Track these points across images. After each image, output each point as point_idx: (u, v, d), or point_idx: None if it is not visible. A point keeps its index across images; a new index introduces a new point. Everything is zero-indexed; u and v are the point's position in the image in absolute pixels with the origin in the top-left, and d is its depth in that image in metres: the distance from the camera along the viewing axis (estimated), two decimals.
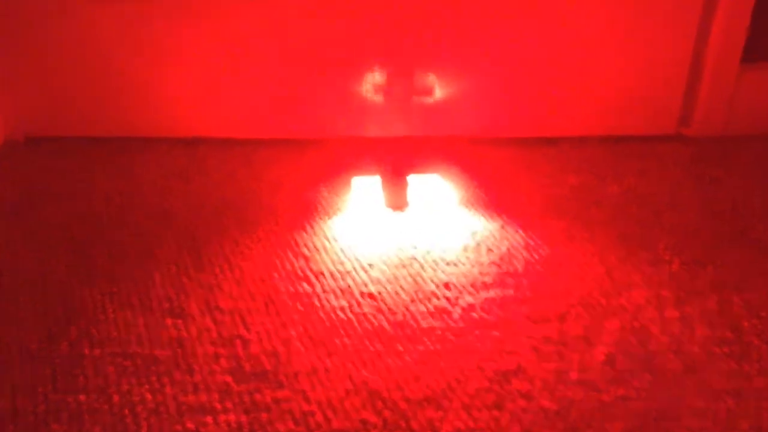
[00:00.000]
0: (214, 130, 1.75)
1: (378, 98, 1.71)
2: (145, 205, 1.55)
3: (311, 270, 1.35)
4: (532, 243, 1.41)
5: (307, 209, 1.52)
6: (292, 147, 1.74)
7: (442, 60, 1.67)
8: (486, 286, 1.30)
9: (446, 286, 1.31)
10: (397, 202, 1.52)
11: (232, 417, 1.06)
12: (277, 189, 1.59)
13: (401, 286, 1.30)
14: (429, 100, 1.72)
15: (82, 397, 1.09)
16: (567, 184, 1.60)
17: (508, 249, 1.40)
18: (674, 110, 1.72)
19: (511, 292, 1.29)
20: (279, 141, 1.75)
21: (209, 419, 1.06)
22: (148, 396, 1.10)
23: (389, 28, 1.63)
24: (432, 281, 1.32)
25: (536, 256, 1.37)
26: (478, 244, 1.41)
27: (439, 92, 1.70)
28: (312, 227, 1.47)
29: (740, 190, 1.57)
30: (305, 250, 1.40)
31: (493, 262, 1.36)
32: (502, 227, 1.46)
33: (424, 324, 1.22)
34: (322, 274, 1.34)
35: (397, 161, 1.64)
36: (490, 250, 1.40)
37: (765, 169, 1.63)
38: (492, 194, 1.57)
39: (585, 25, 1.62)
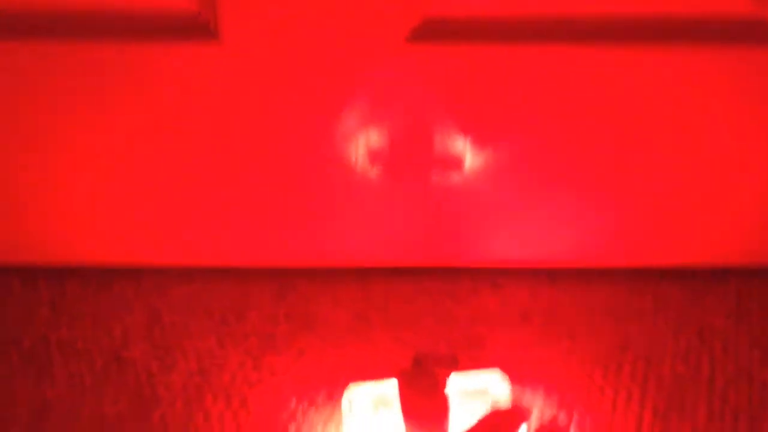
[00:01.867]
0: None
1: (373, 173, 0.93)
2: None
3: None
4: None
5: None
6: (213, 284, 0.98)
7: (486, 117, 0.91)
8: None
9: None
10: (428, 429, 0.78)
11: None
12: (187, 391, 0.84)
13: None
14: (459, 175, 0.96)
15: None
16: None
17: None
18: None
19: None
20: (189, 271, 0.99)
21: None
22: None
23: (407, 77, 0.87)
24: None
25: None
26: None
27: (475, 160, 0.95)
28: None
29: None
30: None
31: None
32: None
33: None
34: None
35: (427, 339, 0.89)
36: None
37: None
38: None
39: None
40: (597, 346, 0.91)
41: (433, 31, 0.75)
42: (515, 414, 0.80)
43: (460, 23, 0.75)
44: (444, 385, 0.79)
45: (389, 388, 0.80)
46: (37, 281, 0.95)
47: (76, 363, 0.88)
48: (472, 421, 0.77)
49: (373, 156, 0.88)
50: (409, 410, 0.78)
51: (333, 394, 0.83)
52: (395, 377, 0.79)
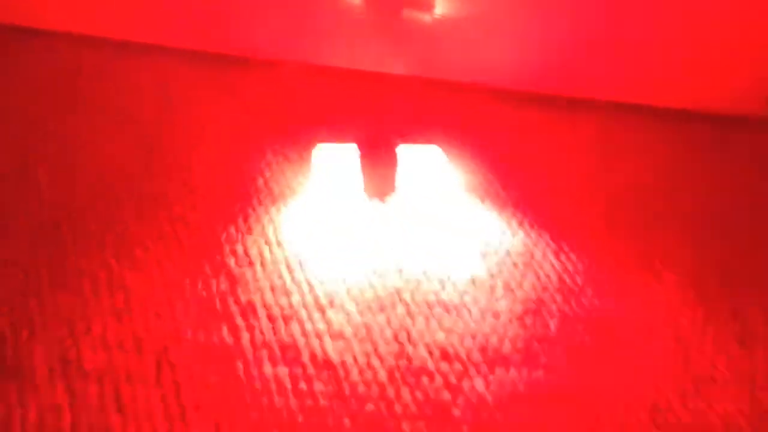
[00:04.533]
0: (101, 27, 1.17)
1: (355, 5, 1.16)
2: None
3: (237, 302, 0.86)
4: (572, 277, 0.95)
5: (239, 186, 1.00)
6: (222, 71, 1.18)
7: None
8: (504, 360, 0.85)
9: (444, 355, 0.84)
10: (380, 188, 1.02)
11: None
12: (194, 145, 1.06)
13: (376, 351, 0.84)
14: (426, 17, 1.18)
15: None
16: (622, 175, 1.12)
17: (534, 287, 0.94)
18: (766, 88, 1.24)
19: (541, 374, 0.84)
20: (201, 55, 1.19)
21: None
22: None
23: None
24: (423, 344, 0.85)
25: (579, 307, 0.92)
26: (493, 275, 0.94)
27: (441, 7, 1.16)
28: (245, 220, 0.96)
29: None
30: (231, 262, 0.90)
31: (516, 315, 0.90)
32: (528, 245, 0.99)
33: (406, 427, 0.77)
34: (254, 311, 0.85)
35: (382, 122, 1.12)
36: (509, 288, 0.93)
37: None
38: (514, 185, 1.08)
39: None
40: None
41: None
42: None
43: None
44: (395, 149, 1.03)
45: (351, 149, 1.03)
46: None
47: None
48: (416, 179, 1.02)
49: None
50: (365, 162, 1.01)
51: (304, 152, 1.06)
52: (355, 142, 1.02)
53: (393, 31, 1.19)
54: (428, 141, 1.08)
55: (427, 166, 1.05)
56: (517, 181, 1.09)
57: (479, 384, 0.82)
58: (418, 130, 1.11)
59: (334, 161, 1.02)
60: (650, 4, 1.13)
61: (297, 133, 1.08)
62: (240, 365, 0.80)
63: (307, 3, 1.15)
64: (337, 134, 1.06)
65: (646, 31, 1.16)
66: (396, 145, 1.05)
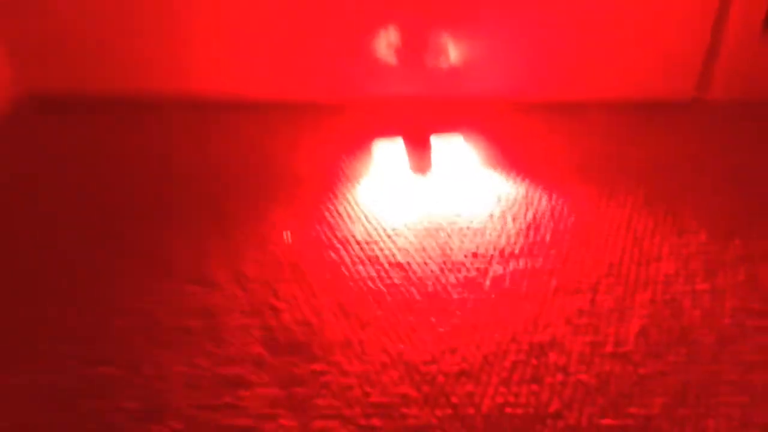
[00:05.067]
0: (227, 90, 1.69)
1: (392, 58, 1.66)
2: (160, 168, 1.50)
3: (337, 238, 1.33)
4: (558, 210, 1.40)
5: (329, 174, 1.49)
6: (308, 110, 1.69)
7: (458, 18, 1.61)
8: (515, 256, 1.29)
9: (474, 255, 1.29)
10: (421, 166, 1.50)
11: (268, 391, 1.05)
12: (297, 154, 1.55)
13: (429, 256, 1.29)
14: (443, 61, 1.67)
15: (112, 370, 1.07)
16: (591, 149, 1.58)
17: (534, 216, 1.38)
18: (693, 75, 1.69)
19: (540, 261, 1.28)
20: (295, 104, 1.70)
21: (245, 393, 1.04)
22: (181, 368, 1.08)
23: None
24: (460, 250, 1.30)
25: (563, 225, 1.36)
26: (504, 212, 1.39)
27: (453, 53, 1.66)
28: (335, 193, 1.44)
29: (762, 156, 1.56)
30: (329, 217, 1.37)
31: (520, 230, 1.35)
32: (527, 193, 1.44)
33: (455, 295, 1.21)
34: (348, 242, 1.32)
35: (418, 123, 1.60)
36: (515, 217, 1.38)
37: None
38: (515, 158, 1.54)
39: None
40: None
41: None
42: None
43: None
44: (428, 140, 1.50)
45: (398, 142, 1.52)
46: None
47: None
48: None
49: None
50: (410, 150, 1.49)
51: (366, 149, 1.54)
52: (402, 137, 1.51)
53: (420, 74, 1.69)
54: (453, 134, 1.56)
55: (454, 151, 1.52)
56: (518, 156, 1.55)
57: (498, 269, 1.26)
58: (446, 127, 1.59)
59: (388, 152, 1.51)
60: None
61: (361, 137, 1.57)
62: (344, 270, 1.25)
63: (358, 58, 1.66)
64: (389, 134, 1.55)
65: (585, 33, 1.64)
66: (430, 137, 1.53)
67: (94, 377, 1.06)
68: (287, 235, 1.29)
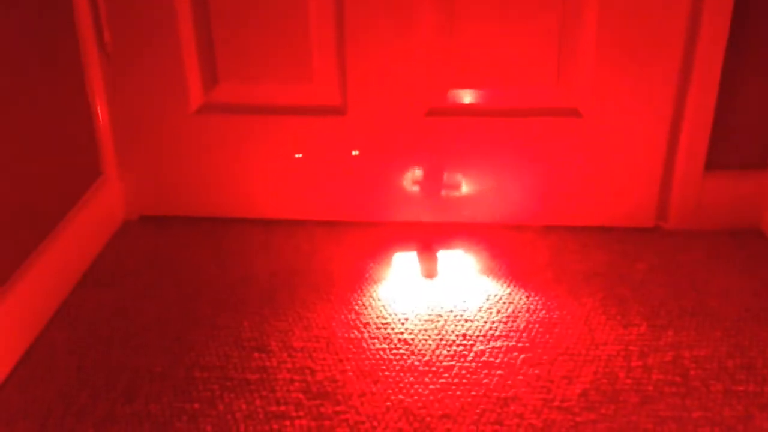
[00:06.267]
0: (283, 212, 2.21)
1: (416, 190, 2.16)
2: (234, 272, 2.00)
3: (361, 321, 1.77)
4: (532, 306, 1.82)
5: (358, 277, 1.96)
6: (345, 228, 2.19)
7: (469, 162, 2.12)
8: (494, 338, 1.70)
9: (464, 336, 1.71)
10: (429, 272, 1.95)
11: (304, 422, 1.47)
12: (334, 261, 2.03)
13: (429, 336, 1.71)
14: (457, 193, 2.16)
15: (196, 406, 1.52)
16: (564, 263, 2.01)
17: (513, 310, 1.80)
18: (652, 208, 2.14)
19: (513, 342, 1.69)
20: (335, 222, 2.20)
21: (287, 423, 1.47)
22: (243, 406, 1.51)
23: (428, 139, 2.10)
24: (453, 332, 1.72)
25: (535, 317, 1.78)
26: (491, 306, 1.82)
27: (465, 188, 2.15)
28: (362, 290, 1.90)
29: (702, 273, 1.96)
30: (356, 307, 1.83)
31: (502, 321, 1.77)
32: (510, 293, 1.87)
33: (445, 363, 1.63)
34: (369, 324, 1.76)
35: (430, 240, 2.08)
36: (499, 311, 1.80)
37: (722, 258, 2.02)
38: (503, 267, 1.98)
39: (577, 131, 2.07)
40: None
41: None
42: None
43: None
44: (436, 253, 1.97)
45: (413, 254, 1.99)
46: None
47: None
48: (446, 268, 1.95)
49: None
50: (421, 260, 1.96)
51: (388, 258, 2.01)
52: (415, 250, 1.98)
53: (438, 200, 2.18)
54: (457, 248, 2.02)
55: (457, 261, 1.98)
56: (508, 265, 1.99)
57: (481, 347, 1.67)
58: (452, 243, 2.06)
59: (404, 261, 1.97)
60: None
61: (385, 250, 2.05)
62: (364, 344, 1.69)
63: (390, 189, 2.17)
64: (406, 248, 2.03)
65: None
66: (439, 250, 2.00)
67: (181, 411, 1.50)
68: None
